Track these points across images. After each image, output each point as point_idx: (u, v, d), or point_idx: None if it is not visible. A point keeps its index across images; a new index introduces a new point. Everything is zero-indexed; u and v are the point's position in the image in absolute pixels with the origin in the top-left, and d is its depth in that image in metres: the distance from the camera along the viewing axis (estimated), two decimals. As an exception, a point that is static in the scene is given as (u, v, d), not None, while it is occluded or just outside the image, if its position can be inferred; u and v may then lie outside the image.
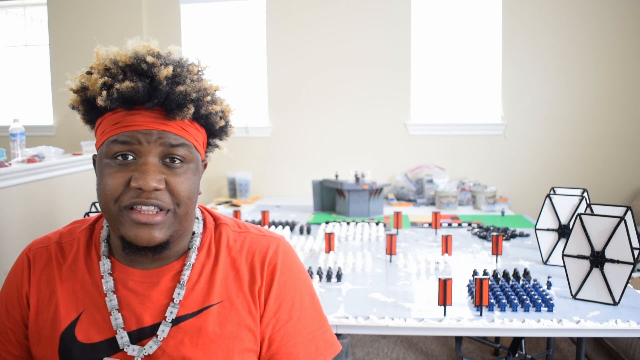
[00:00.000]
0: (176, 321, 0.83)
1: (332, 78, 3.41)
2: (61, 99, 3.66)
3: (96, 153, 0.89)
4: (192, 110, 0.81)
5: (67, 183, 2.49)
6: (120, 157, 0.80)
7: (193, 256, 0.88)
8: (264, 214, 2.29)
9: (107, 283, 0.84)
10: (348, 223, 2.43)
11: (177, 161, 0.81)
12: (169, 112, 0.80)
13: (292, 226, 2.35)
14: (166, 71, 0.79)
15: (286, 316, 0.88)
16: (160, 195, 0.79)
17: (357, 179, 2.68)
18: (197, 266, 0.88)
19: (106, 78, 0.79)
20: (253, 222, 2.27)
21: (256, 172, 3.50)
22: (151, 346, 0.82)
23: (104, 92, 0.78)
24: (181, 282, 0.85)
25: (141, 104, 0.79)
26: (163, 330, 0.82)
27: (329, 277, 1.64)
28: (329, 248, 1.89)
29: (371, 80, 3.39)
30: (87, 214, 1.85)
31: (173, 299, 0.84)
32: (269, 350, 0.87)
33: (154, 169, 0.79)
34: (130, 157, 0.80)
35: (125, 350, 0.82)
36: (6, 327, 0.89)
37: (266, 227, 2.28)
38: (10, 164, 2.16)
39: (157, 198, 0.79)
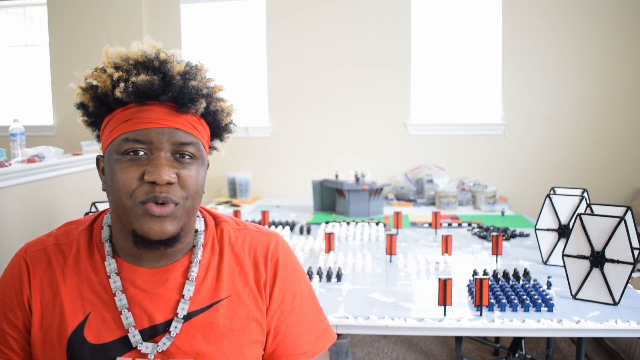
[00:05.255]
0: (187, 317, 0.85)
1: (332, 78, 3.41)
2: (61, 99, 3.66)
3: (100, 154, 0.89)
4: (203, 104, 0.84)
5: (67, 183, 2.49)
6: (131, 153, 0.81)
7: (199, 253, 0.89)
8: (264, 214, 2.29)
9: (115, 283, 0.85)
10: (348, 223, 2.43)
11: (187, 157, 0.84)
12: (182, 106, 0.82)
13: (292, 226, 2.35)
14: (179, 67, 0.82)
15: (289, 307, 0.92)
16: (173, 189, 0.81)
17: (357, 179, 2.68)
18: (204, 262, 0.89)
19: (121, 72, 0.80)
20: (253, 222, 2.27)
21: (256, 172, 3.50)
22: (164, 342, 0.83)
23: (121, 84, 0.79)
24: (190, 279, 0.86)
25: (155, 98, 0.81)
26: (175, 327, 0.84)
27: (329, 277, 1.64)
28: (329, 248, 1.89)
29: (371, 81, 3.38)
30: (87, 214, 1.85)
31: (183, 295, 0.85)
32: (275, 340, 0.91)
33: (166, 163, 0.81)
34: (142, 153, 0.81)
35: (138, 347, 0.82)
36: (7, 334, 0.86)
37: (266, 227, 2.28)
38: (10, 164, 2.16)
39: (170, 192, 0.81)
